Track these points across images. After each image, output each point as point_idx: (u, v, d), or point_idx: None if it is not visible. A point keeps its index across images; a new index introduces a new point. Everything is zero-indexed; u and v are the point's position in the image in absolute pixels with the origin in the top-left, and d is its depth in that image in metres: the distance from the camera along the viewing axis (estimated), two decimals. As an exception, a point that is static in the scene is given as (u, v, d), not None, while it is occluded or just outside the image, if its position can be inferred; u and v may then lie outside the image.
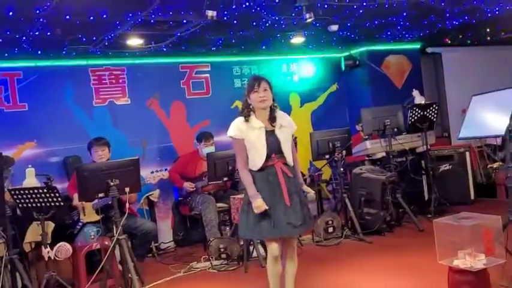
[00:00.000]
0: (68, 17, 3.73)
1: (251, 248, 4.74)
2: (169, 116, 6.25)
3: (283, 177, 3.10)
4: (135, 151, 5.36)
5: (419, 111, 5.80)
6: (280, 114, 3.22)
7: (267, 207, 3.04)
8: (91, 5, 3.63)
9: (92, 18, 3.81)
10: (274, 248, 3.14)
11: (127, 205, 4.28)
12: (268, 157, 3.09)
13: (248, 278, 4.35)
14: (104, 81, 5.87)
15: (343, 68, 7.36)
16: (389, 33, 6.40)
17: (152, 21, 4.06)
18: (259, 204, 3.04)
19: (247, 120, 3.13)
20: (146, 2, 3.79)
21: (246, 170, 3.15)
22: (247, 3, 4.05)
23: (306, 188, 3.37)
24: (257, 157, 3.10)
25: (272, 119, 3.15)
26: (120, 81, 5.96)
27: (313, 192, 3.41)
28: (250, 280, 4.26)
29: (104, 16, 3.81)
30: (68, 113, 5.64)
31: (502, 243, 3.35)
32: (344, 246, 5.04)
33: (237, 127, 3.14)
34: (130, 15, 3.91)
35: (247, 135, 3.11)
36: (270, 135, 3.12)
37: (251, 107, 3.15)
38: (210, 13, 3.85)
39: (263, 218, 3.06)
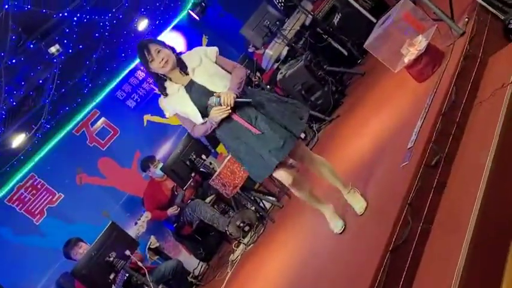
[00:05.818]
0: None
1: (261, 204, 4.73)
2: (104, 176, 6.00)
3: (233, 111, 2.70)
4: (105, 224, 5.12)
5: (281, -8, 5.86)
6: (188, 56, 2.84)
7: (229, 111, 2.67)
8: None
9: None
10: (283, 176, 2.85)
11: (139, 263, 4.20)
12: (204, 111, 2.75)
13: (281, 224, 4.34)
14: (26, 199, 5.53)
15: (198, 18, 7.27)
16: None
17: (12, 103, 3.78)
18: (215, 114, 2.68)
19: (166, 94, 2.84)
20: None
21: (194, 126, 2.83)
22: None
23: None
24: (196, 120, 2.79)
25: (183, 68, 2.79)
26: (39, 186, 5.63)
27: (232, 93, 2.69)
28: (284, 223, 4.25)
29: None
30: (21, 250, 5.32)
31: (424, 14, 3.51)
32: (323, 138, 5.04)
33: (164, 106, 2.87)
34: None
35: (175, 107, 2.83)
36: (191, 88, 2.77)
37: (160, 75, 2.78)
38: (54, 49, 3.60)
39: (254, 160, 2.77)
